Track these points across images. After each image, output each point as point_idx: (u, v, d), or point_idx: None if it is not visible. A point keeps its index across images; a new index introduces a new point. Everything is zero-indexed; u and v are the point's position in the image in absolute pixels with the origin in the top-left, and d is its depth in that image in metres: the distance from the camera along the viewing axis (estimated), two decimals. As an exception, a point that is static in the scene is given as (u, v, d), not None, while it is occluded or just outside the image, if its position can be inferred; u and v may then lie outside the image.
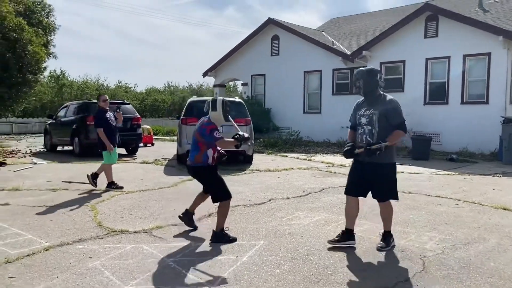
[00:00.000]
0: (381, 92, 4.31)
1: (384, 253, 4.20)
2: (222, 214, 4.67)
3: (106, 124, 7.49)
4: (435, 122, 13.93)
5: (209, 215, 5.62)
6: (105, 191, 7.31)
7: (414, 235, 4.80)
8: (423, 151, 12.08)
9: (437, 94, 14.11)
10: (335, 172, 9.54)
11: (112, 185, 7.56)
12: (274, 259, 4.02)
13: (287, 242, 4.51)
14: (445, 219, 5.49)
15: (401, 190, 7.30)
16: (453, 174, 9.36)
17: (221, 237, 4.57)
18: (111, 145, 7.48)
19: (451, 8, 14.16)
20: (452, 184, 8.14)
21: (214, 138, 4.65)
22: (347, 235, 4.36)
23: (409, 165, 10.85)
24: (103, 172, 7.66)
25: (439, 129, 13.91)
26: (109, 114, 7.63)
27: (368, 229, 5.01)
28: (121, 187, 7.56)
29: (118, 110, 7.97)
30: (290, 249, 4.28)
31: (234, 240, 4.56)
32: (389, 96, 4.25)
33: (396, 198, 4.34)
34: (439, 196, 6.93)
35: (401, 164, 10.91)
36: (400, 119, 4.16)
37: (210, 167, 4.81)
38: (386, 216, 4.37)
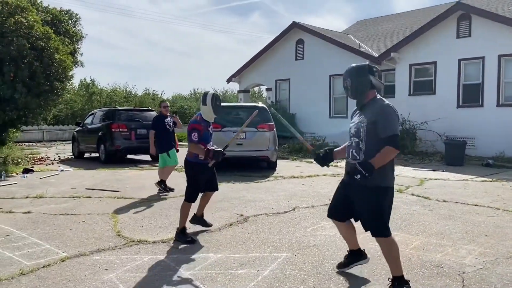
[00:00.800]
0: (377, 96, 3.44)
1: (418, 268, 3.85)
2: (182, 213, 4.80)
3: (164, 128, 7.90)
4: (469, 125, 13.29)
5: (230, 225, 5.40)
6: (132, 198, 7.23)
7: (451, 248, 4.43)
8: (457, 156, 11.51)
9: (471, 96, 13.48)
10: (363, 179, 9.15)
11: (162, 184, 7.81)
12: (297, 273, 3.75)
13: (312, 255, 4.23)
14: (484, 230, 5.07)
15: (435, 198, 6.92)
16: (490, 181, 8.81)
17: (180, 237, 4.73)
18: (154, 149, 7.98)
19: (483, 7, 13.54)
20: (489, 191, 7.63)
21: (189, 139, 4.66)
22: (354, 256, 3.77)
23: (443, 171, 10.33)
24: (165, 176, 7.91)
25: (473, 133, 13.26)
26: (168, 120, 8.03)
27: (400, 241, 4.65)
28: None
29: (174, 115, 8.48)
30: (315, 263, 4.00)
31: (192, 241, 4.66)
32: (384, 101, 3.35)
33: (383, 235, 3.29)
34: (476, 205, 6.47)
35: (433, 170, 10.42)
36: (391, 131, 3.20)
37: (191, 162, 4.80)
38: (387, 256, 3.33)
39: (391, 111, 3.28)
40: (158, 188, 7.83)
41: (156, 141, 7.92)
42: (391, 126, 3.22)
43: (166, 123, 7.94)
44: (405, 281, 3.30)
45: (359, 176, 3.16)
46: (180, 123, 8.47)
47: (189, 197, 4.82)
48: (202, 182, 4.88)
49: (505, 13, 13.13)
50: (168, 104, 8.29)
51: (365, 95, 3.41)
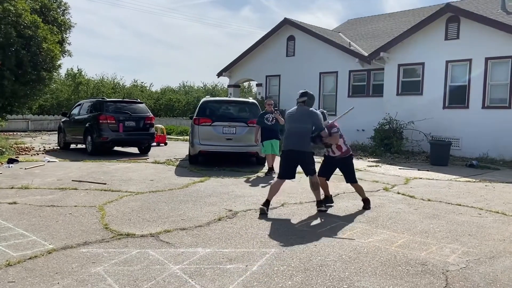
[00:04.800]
0: None
1: (403, 266, 3.93)
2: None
3: (264, 123, 9.30)
4: (455, 126, 13.52)
5: (219, 220, 5.41)
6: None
7: (435, 246, 4.52)
8: (441, 156, 11.70)
9: (457, 97, 13.70)
10: (350, 177, 9.24)
11: (271, 171, 9.19)
12: (286, 269, 3.79)
13: (299, 251, 4.28)
14: (468, 230, 5.19)
15: (420, 197, 7.05)
16: (474, 181, 8.99)
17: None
18: (258, 140, 9.38)
19: (472, 10, 13.74)
20: (473, 191, 7.79)
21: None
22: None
23: (428, 170, 10.50)
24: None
25: (458, 133, 13.50)
26: (268, 115, 9.30)
27: (386, 238, 4.75)
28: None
29: (275, 111, 9.42)
30: (303, 259, 4.05)
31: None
32: None
33: None
34: (460, 205, 6.61)
35: (419, 170, 10.58)
36: None
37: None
38: None
39: None
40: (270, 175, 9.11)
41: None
42: None
43: (265, 118, 9.29)
44: None
45: None
46: (281, 119, 8.95)
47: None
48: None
49: (493, 16, 13.35)
50: (272, 102, 9.59)
51: None
